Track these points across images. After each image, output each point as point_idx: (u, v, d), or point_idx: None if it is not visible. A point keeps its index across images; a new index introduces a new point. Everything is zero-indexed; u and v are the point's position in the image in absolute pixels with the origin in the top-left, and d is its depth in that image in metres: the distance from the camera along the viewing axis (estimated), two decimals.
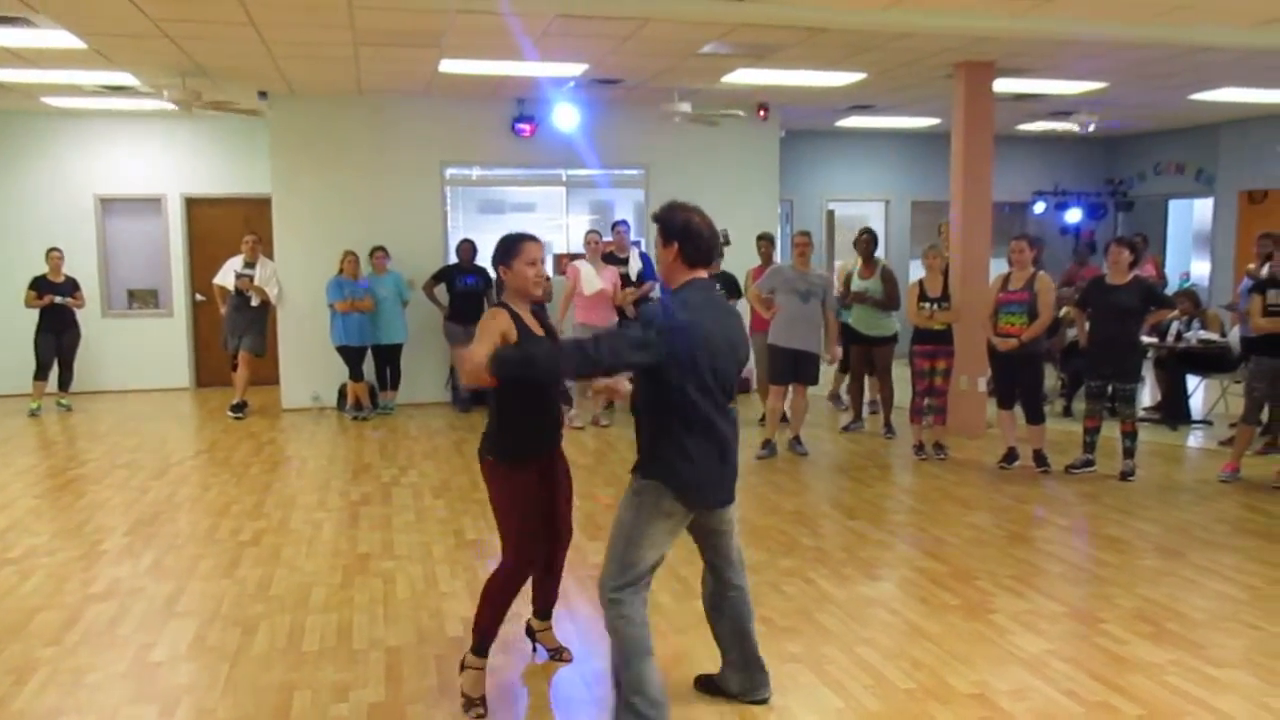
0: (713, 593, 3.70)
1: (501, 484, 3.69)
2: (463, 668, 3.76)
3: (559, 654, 4.15)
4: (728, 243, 10.01)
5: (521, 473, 3.66)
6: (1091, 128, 11.74)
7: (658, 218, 3.41)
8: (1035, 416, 7.44)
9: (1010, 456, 7.53)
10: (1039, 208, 14.28)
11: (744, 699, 3.72)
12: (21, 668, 4.08)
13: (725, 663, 3.76)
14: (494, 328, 3.55)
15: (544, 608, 4.13)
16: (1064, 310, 9.05)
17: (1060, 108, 11.31)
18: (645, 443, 3.37)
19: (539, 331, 3.69)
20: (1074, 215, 14.16)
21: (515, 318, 3.63)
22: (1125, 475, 7.11)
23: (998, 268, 8.10)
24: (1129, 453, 7.15)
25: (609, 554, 3.39)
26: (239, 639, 4.37)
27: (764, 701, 3.70)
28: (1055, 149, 14.63)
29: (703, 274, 3.38)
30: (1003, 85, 9.19)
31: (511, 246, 3.67)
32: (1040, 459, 7.42)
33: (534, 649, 4.18)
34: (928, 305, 7.74)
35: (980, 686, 3.84)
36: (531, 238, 3.71)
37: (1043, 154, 14.54)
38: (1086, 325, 7.34)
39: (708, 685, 3.80)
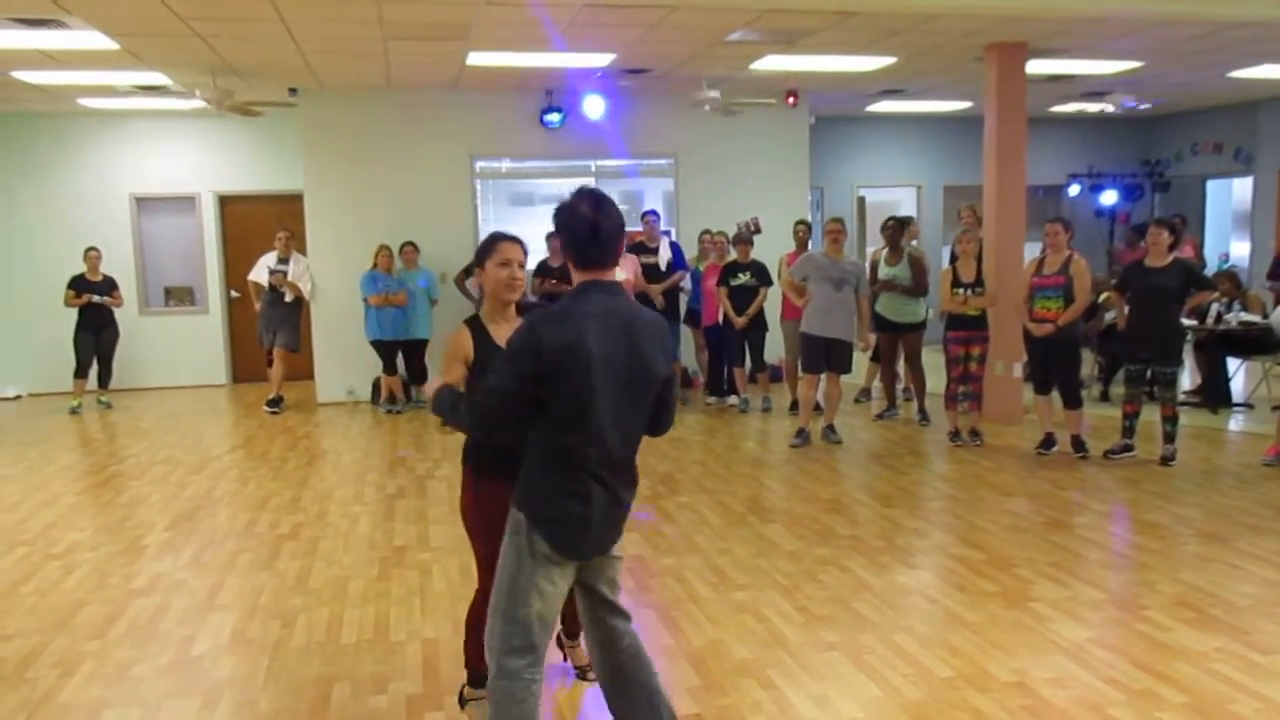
0: (604, 651, 3.00)
1: (476, 497, 3.34)
2: (463, 702, 3.57)
3: (585, 674, 3.84)
4: (758, 231, 10.00)
5: (503, 488, 2.99)
6: (1134, 102, 11.51)
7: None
8: (1073, 401, 7.35)
9: (1048, 442, 7.44)
10: (1074, 190, 14.08)
11: None
12: (67, 661, 4.14)
13: None
14: (453, 353, 3.26)
15: (570, 626, 3.83)
16: (1104, 296, 8.93)
17: (1095, 88, 11.15)
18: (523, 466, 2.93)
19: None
20: (1109, 197, 13.95)
21: (481, 333, 3.31)
22: (1166, 460, 7.01)
23: (1032, 252, 8.00)
24: (1169, 437, 7.05)
25: (492, 605, 2.91)
26: (278, 632, 4.42)
27: None
28: (1090, 130, 14.41)
29: (599, 276, 2.81)
30: (1035, 66, 9.05)
31: (486, 246, 3.33)
32: (1078, 444, 7.33)
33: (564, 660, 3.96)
34: (961, 291, 7.66)
35: (1020, 675, 3.80)
36: (509, 238, 3.33)
37: (1077, 135, 14.33)
38: (1126, 309, 7.24)
39: None
